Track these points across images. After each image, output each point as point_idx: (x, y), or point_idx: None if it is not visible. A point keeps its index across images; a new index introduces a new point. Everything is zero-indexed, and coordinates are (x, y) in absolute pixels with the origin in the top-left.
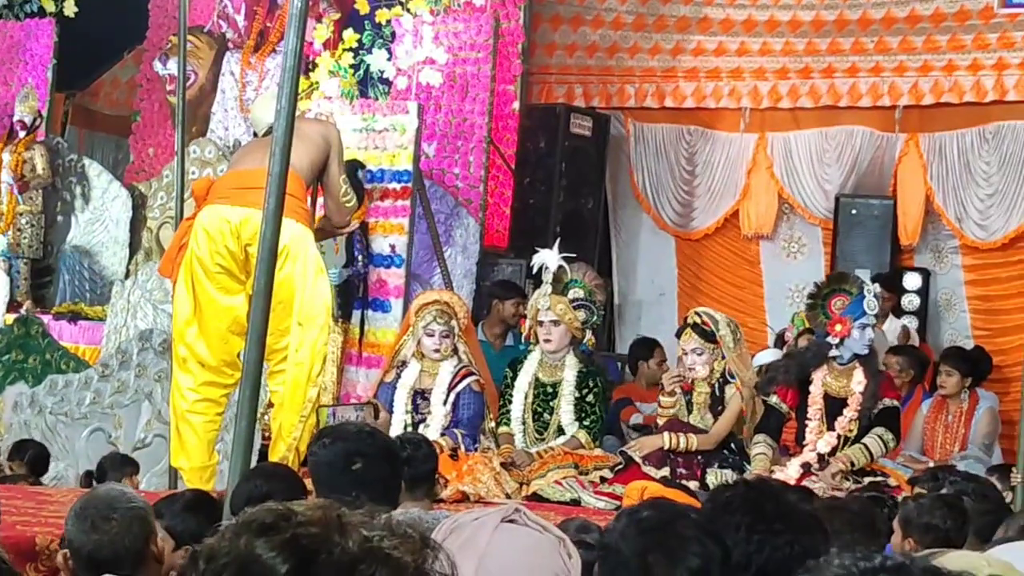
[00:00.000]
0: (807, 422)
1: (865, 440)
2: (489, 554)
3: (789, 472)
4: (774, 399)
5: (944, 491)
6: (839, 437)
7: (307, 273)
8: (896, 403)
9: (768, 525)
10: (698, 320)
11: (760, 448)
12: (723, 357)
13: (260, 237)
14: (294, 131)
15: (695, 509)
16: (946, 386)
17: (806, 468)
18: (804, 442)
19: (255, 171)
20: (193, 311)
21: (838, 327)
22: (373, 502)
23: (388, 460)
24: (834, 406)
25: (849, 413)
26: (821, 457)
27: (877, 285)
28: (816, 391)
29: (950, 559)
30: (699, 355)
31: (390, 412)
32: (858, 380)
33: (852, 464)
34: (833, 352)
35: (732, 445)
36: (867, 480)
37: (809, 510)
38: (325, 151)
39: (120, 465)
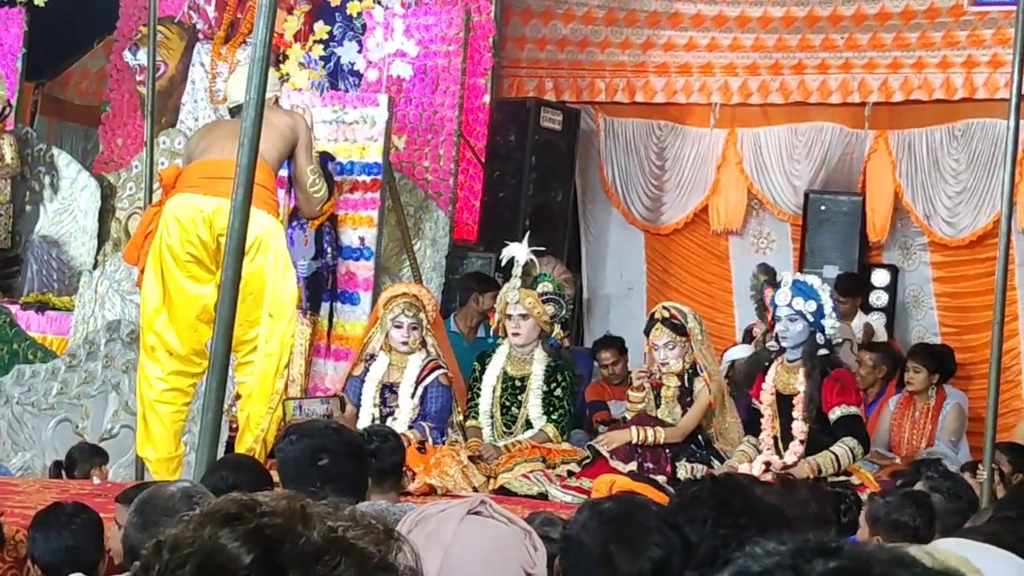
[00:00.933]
0: (760, 416)
1: (835, 449)
2: (454, 546)
3: (754, 468)
4: (754, 402)
5: (918, 486)
6: (802, 443)
7: (278, 265)
8: (856, 410)
9: (735, 519)
10: (667, 314)
11: (743, 447)
12: (692, 350)
13: (229, 227)
14: (264, 122)
15: (655, 501)
16: (913, 382)
17: (767, 466)
18: (760, 434)
19: (226, 161)
20: (162, 300)
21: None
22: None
23: (355, 456)
24: (783, 402)
25: (798, 414)
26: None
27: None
28: (768, 385)
29: (913, 551)
30: (671, 349)
31: (358, 406)
32: (800, 380)
33: (820, 471)
34: (770, 345)
35: (700, 439)
36: (831, 478)
37: (775, 505)
38: (293, 142)
39: (89, 455)
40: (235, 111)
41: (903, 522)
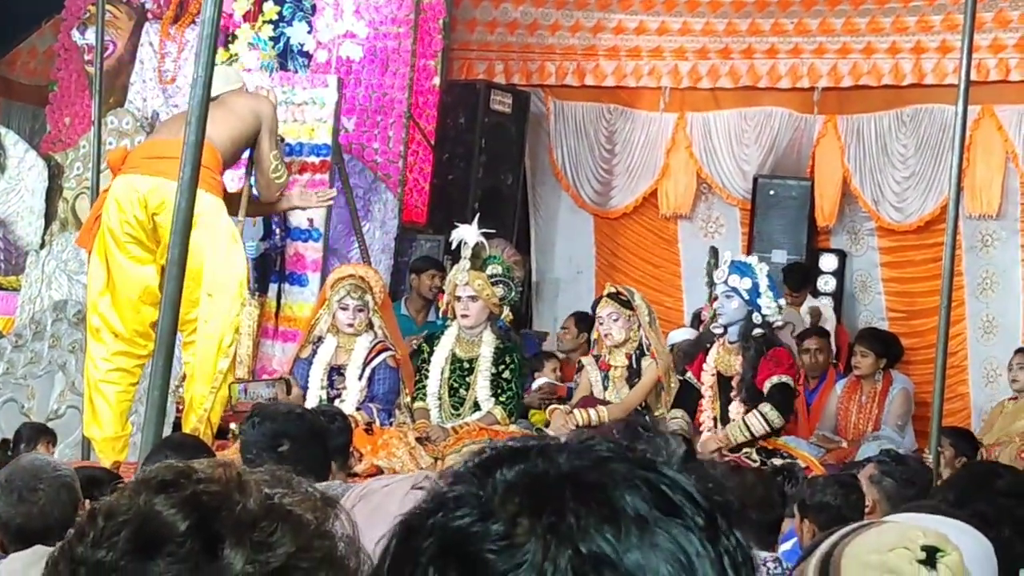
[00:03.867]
0: (700, 395)
1: (746, 417)
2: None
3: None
4: (689, 376)
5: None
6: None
7: (216, 243)
8: (787, 379)
9: None
10: (613, 290)
11: (677, 424)
12: (638, 323)
13: (175, 207)
14: (223, 104)
15: None
16: (860, 367)
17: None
18: (699, 413)
19: (169, 141)
20: (106, 281)
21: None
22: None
23: (316, 441)
24: (724, 383)
25: (734, 396)
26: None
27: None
28: (709, 366)
29: (887, 528)
30: (615, 320)
31: (305, 388)
32: (739, 362)
33: (729, 441)
34: (714, 327)
35: (646, 416)
36: (775, 461)
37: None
38: (254, 126)
39: (37, 435)
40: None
41: (826, 503)
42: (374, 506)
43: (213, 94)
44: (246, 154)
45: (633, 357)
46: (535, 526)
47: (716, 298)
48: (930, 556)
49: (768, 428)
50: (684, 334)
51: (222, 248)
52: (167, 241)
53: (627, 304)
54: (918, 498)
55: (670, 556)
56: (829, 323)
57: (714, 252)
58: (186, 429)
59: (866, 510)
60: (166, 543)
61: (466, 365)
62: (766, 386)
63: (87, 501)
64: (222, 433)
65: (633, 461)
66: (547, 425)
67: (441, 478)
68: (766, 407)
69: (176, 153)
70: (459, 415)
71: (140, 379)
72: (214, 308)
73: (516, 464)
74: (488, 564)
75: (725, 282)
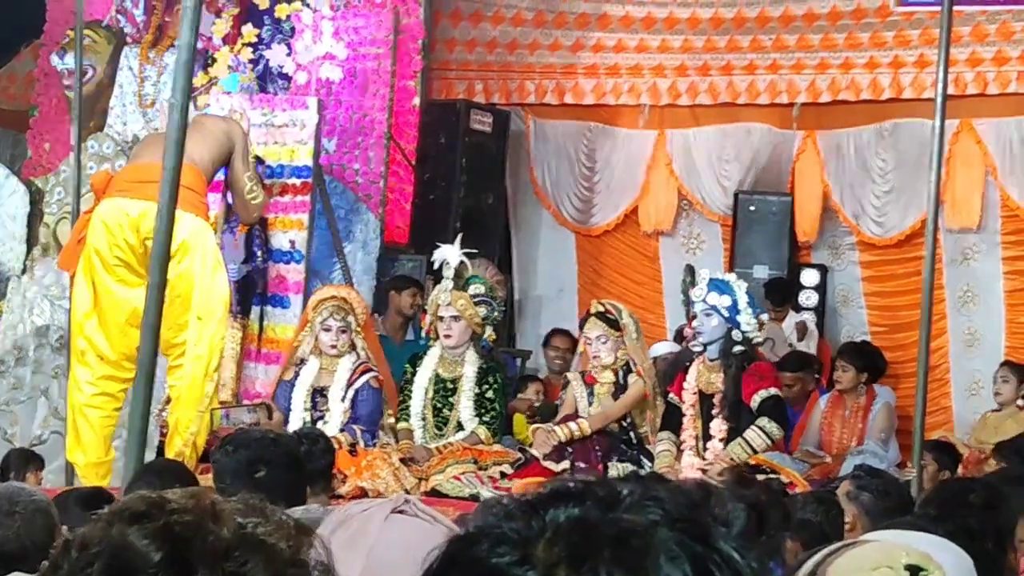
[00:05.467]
0: (683, 414)
1: (745, 434)
2: (379, 544)
3: (686, 471)
4: (672, 397)
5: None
6: (721, 441)
7: (205, 267)
8: (775, 391)
9: None
10: (601, 309)
11: (664, 445)
12: (625, 345)
13: (155, 230)
14: (198, 126)
15: None
16: (842, 381)
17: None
18: (682, 432)
19: (154, 164)
20: (92, 304)
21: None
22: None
23: (292, 466)
24: (705, 401)
25: (716, 414)
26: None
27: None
28: (690, 384)
29: (870, 547)
30: (603, 343)
31: (288, 411)
32: (721, 379)
33: (734, 461)
34: (693, 344)
35: (632, 437)
36: (759, 478)
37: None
38: (228, 147)
39: (25, 461)
40: None
41: (807, 520)
42: (353, 531)
43: None
44: (220, 175)
45: (620, 373)
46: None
47: (695, 316)
48: (914, 574)
49: (769, 442)
50: (665, 347)
51: (210, 271)
52: None
53: (614, 324)
54: (896, 510)
55: None
56: (812, 337)
57: (690, 270)
58: (170, 453)
59: (846, 527)
60: (139, 574)
61: (449, 385)
62: (755, 400)
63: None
64: (206, 457)
65: (686, 531)
66: (531, 445)
67: (496, 506)
68: (763, 420)
69: (158, 177)
70: (443, 435)
71: (124, 403)
72: (203, 331)
73: (570, 508)
74: None
75: (704, 300)
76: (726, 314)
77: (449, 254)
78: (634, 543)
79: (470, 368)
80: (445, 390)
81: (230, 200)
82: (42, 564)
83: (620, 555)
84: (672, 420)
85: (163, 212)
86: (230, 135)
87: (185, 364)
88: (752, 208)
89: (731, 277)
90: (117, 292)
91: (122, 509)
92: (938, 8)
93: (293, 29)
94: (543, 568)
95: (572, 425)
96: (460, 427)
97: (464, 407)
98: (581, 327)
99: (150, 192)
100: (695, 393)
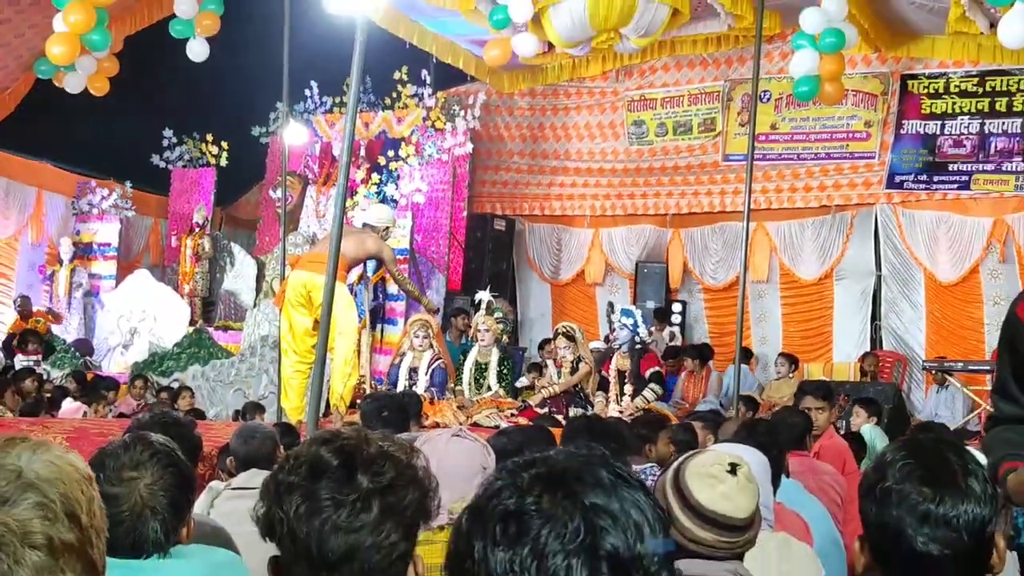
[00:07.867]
0: (609, 382)
1: (643, 392)
2: (444, 454)
3: (609, 412)
4: (603, 373)
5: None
6: (630, 396)
7: (342, 309)
8: (659, 369)
9: (601, 440)
10: (564, 330)
11: (599, 399)
12: (578, 348)
13: (324, 289)
14: (362, 234)
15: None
16: (688, 365)
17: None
18: (608, 392)
19: (321, 253)
20: (289, 325)
21: None
22: (391, 428)
23: (401, 410)
24: (621, 375)
25: (627, 382)
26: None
27: (625, 310)
28: (613, 366)
29: (710, 453)
30: (566, 349)
31: (395, 382)
32: (629, 363)
33: (638, 407)
34: (614, 344)
35: (582, 394)
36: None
37: (623, 431)
38: (370, 254)
39: (254, 408)
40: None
41: (679, 439)
42: (431, 446)
43: (365, 221)
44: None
45: (574, 361)
46: (554, 496)
47: (614, 329)
48: (733, 467)
49: (656, 396)
50: (598, 344)
51: (343, 309)
52: (317, 304)
53: (571, 336)
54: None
55: (632, 504)
56: (678, 340)
57: (610, 305)
58: (333, 401)
59: (700, 442)
60: (325, 473)
61: (483, 366)
62: (647, 373)
63: (281, 447)
64: (353, 404)
65: (598, 459)
66: (528, 399)
67: (493, 474)
68: (653, 384)
69: (324, 260)
70: (479, 393)
71: (308, 377)
72: (342, 342)
73: (534, 467)
74: (530, 521)
75: (620, 320)
76: (631, 328)
77: (483, 296)
78: (579, 468)
79: (495, 357)
80: (481, 369)
81: (368, 273)
82: (272, 466)
83: (577, 476)
84: (603, 385)
85: (329, 280)
86: (379, 250)
87: (336, 358)
88: (645, 270)
89: (634, 308)
90: (298, 319)
91: (316, 437)
92: (744, 162)
93: (398, 176)
94: (535, 496)
95: (551, 388)
96: (489, 388)
97: (491, 378)
98: (553, 338)
99: (315, 268)
100: (616, 371)
